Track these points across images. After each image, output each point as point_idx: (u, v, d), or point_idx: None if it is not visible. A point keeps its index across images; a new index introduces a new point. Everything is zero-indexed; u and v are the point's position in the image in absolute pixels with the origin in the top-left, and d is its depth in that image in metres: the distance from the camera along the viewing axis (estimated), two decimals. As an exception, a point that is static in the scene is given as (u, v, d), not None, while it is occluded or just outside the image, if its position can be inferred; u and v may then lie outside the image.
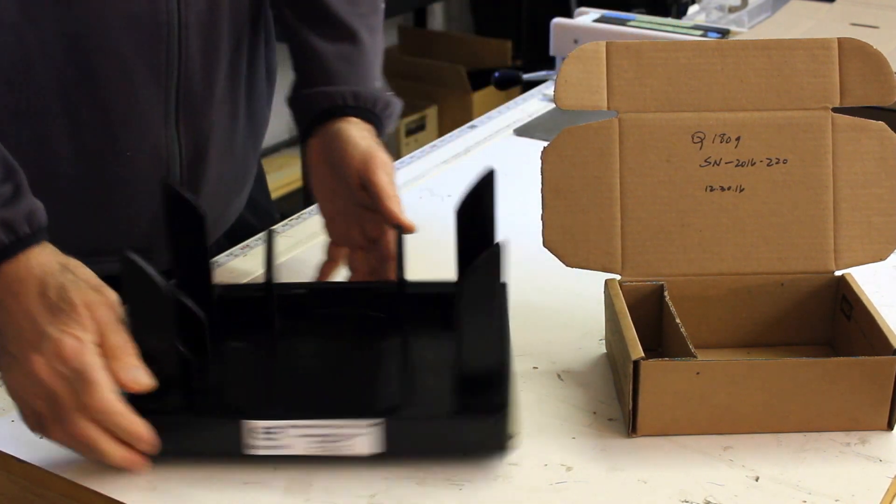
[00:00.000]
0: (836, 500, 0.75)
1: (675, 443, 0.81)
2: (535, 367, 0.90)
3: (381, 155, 0.95)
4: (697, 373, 0.80)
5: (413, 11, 3.90)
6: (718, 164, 0.89)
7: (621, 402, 0.85)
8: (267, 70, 1.12)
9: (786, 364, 0.80)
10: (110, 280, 1.01)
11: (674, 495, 0.76)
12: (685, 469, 0.78)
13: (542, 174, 0.89)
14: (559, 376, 0.89)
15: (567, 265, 0.90)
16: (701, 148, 0.89)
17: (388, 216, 0.93)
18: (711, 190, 0.89)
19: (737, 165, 0.89)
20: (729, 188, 0.89)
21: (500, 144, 1.35)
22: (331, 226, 1.00)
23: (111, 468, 0.78)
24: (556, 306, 0.99)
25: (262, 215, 1.21)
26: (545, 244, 0.90)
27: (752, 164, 0.89)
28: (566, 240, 0.90)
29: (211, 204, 1.03)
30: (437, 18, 4.06)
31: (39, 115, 0.93)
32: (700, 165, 0.89)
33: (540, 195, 0.89)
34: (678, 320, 0.85)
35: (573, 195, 0.89)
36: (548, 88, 1.56)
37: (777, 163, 0.89)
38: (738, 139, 0.89)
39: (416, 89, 3.56)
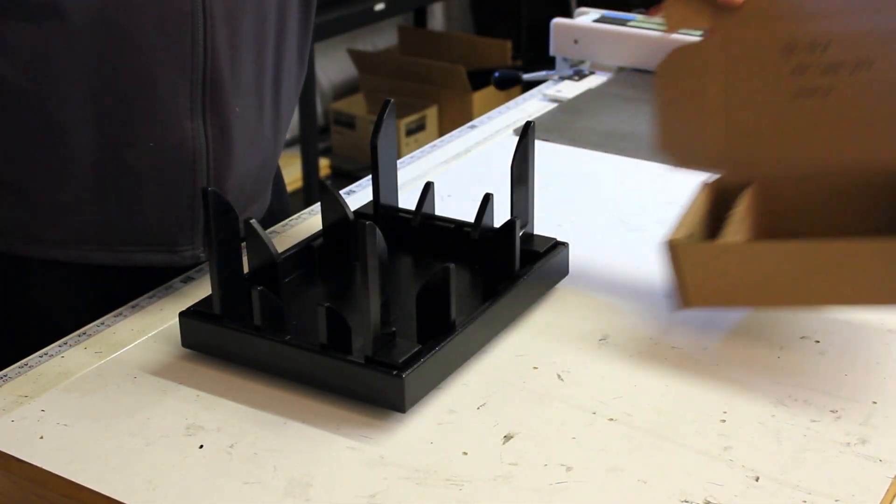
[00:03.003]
0: (836, 500, 0.75)
1: (675, 443, 0.81)
2: (535, 367, 0.90)
3: None
4: (724, 253, 0.91)
5: (413, 11, 3.90)
6: (807, 70, 0.98)
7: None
8: (299, 53, 1.11)
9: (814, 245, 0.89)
10: (131, 271, 1.02)
11: (674, 495, 0.76)
12: (685, 469, 0.78)
13: (655, 87, 1.03)
14: (559, 376, 0.89)
15: (676, 166, 1.03)
16: (792, 56, 0.98)
17: None
18: (802, 95, 0.98)
19: (825, 70, 0.97)
20: (818, 91, 0.97)
21: (500, 144, 1.36)
22: None
23: (111, 468, 0.78)
24: (556, 306, 0.99)
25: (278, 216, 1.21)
26: (658, 148, 1.04)
27: (840, 68, 0.96)
28: (675, 144, 1.03)
29: (236, 197, 1.03)
30: (437, 18, 4.07)
31: (60, 103, 0.93)
32: (791, 72, 0.98)
33: (653, 105, 1.03)
34: (737, 208, 0.96)
35: (682, 104, 1.02)
36: (548, 88, 1.56)
37: (864, 66, 0.96)
38: (826, 45, 0.96)
39: (416, 89, 3.56)
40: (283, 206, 1.23)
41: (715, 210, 0.98)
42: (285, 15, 1.05)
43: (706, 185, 1.01)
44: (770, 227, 1.00)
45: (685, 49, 1.00)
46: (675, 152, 1.03)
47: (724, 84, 1.00)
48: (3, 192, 0.98)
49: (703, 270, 0.91)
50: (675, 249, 0.90)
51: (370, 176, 1.07)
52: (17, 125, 0.94)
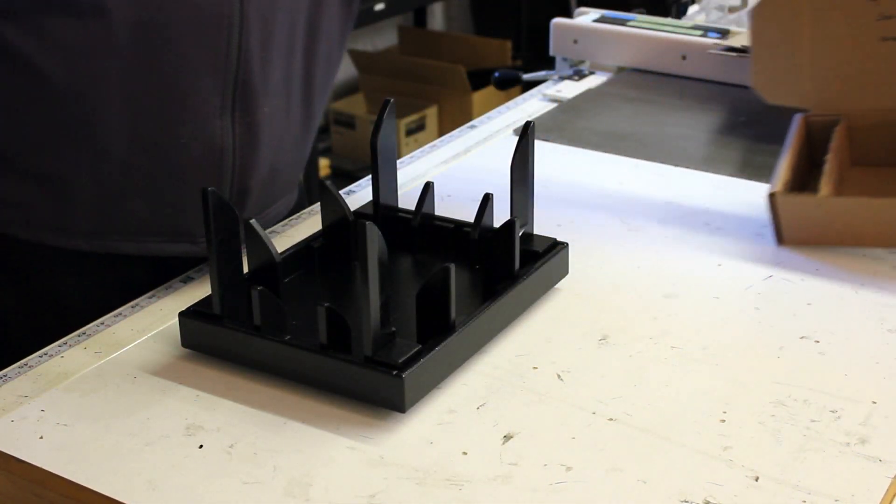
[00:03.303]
0: (836, 500, 0.75)
1: (675, 443, 0.81)
2: (535, 367, 0.90)
3: None
4: (817, 206, 1.06)
5: (413, 11, 3.90)
6: (892, 18, 1.12)
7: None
8: (332, 52, 1.12)
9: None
10: (151, 261, 1.04)
11: (674, 495, 0.76)
12: (685, 469, 0.78)
13: (751, 29, 1.19)
14: (559, 376, 0.89)
15: (768, 101, 1.21)
16: (877, 5, 1.12)
17: None
18: (886, 40, 1.13)
19: None
20: None
21: (500, 144, 1.35)
22: None
23: (111, 468, 0.78)
24: (556, 306, 0.99)
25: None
26: (753, 85, 1.21)
27: None
28: (768, 81, 1.19)
29: (260, 195, 1.06)
30: (437, 18, 4.07)
31: (97, 100, 0.96)
32: (876, 19, 1.12)
33: (750, 46, 1.21)
34: (828, 156, 1.10)
35: (775, 46, 1.17)
36: (548, 88, 1.56)
37: None
38: None
39: (416, 89, 3.56)
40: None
41: (806, 146, 1.14)
42: (319, 16, 1.07)
43: (801, 119, 1.16)
44: (857, 158, 1.17)
45: None
46: (768, 89, 1.19)
47: (813, 28, 1.14)
48: (35, 183, 1.00)
49: (797, 219, 1.06)
50: (775, 200, 1.06)
51: (370, 176, 1.07)
52: (53, 118, 0.97)
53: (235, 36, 0.97)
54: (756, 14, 1.18)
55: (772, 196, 1.06)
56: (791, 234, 1.07)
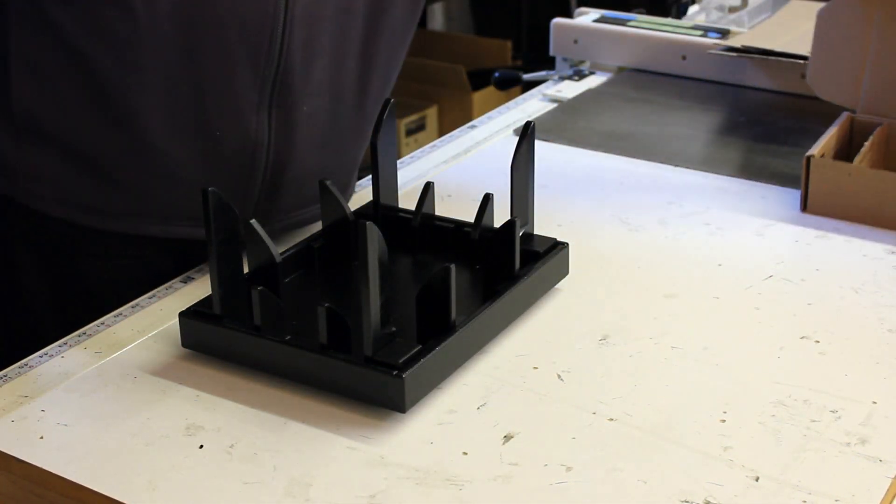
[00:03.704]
0: (836, 500, 0.75)
1: (675, 443, 0.81)
2: (535, 367, 0.90)
3: None
4: (849, 174, 1.11)
5: (413, 11, 3.89)
6: None
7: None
8: (396, 51, 1.12)
9: None
10: (179, 246, 1.05)
11: (674, 495, 0.76)
12: (685, 469, 0.78)
13: (816, 28, 1.25)
14: (559, 376, 0.89)
15: (822, 97, 1.26)
16: None
17: None
18: None
19: None
20: None
21: (500, 144, 1.35)
22: None
23: (111, 468, 0.78)
24: (556, 306, 0.99)
25: None
26: (808, 80, 1.27)
27: None
28: (823, 79, 1.25)
29: (294, 195, 1.07)
30: (437, 18, 4.07)
31: (139, 89, 0.97)
32: None
33: (812, 42, 1.26)
34: (867, 141, 1.15)
35: (835, 48, 1.23)
36: (548, 88, 1.56)
37: None
38: None
39: (416, 89, 3.56)
40: None
41: (847, 141, 1.20)
42: (380, 16, 1.06)
43: (847, 115, 1.21)
44: (890, 166, 1.18)
45: (847, 1, 1.21)
46: (821, 86, 1.25)
47: (876, 36, 1.19)
48: (73, 161, 1.02)
49: (828, 185, 1.12)
50: (811, 163, 1.12)
51: (370, 176, 1.07)
52: (94, 101, 0.98)
53: (279, 34, 0.98)
54: (822, 16, 1.23)
55: (808, 158, 1.12)
56: (817, 200, 1.13)
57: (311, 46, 1.01)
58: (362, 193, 1.23)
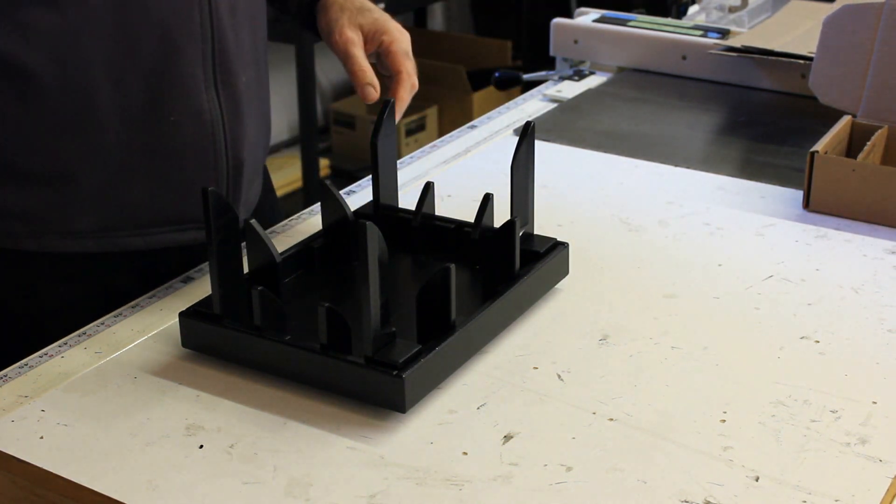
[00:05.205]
0: (836, 500, 0.75)
1: (675, 443, 0.81)
2: (535, 367, 0.90)
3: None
4: (851, 169, 1.13)
5: (413, 11, 3.90)
6: None
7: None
8: (263, 21, 1.14)
9: None
10: (164, 252, 1.04)
11: (674, 495, 0.76)
12: (685, 469, 0.78)
13: (821, 34, 1.27)
14: (559, 376, 0.89)
15: (821, 101, 1.28)
16: None
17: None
18: None
19: None
20: None
21: (500, 144, 1.35)
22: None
23: (111, 468, 0.78)
24: (556, 306, 0.99)
25: (269, 214, 1.21)
26: (811, 84, 1.29)
27: None
28: (824, 83, 1.27)
29: (250, 169, 1.08)
30: (437, 18, 4.07)
31: (86, 86, 0.96)
32: None
33: (817, 48, 1.28)
34: (868, 142, 1.17)
35: (839, 54, 1.25)
36: (548, 88, 1.56)
37: None
38: None
39: (416, 89, 3.56)
40: (271, 203, 1.25)
41: (846, 139, 1.21)
42: None
43: (848, 118, 1.21)
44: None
45: (852, 9, 1.24)
46: (823, 90, 1.28)
47: (880, 44, 1.21)
48: (37, 186, 1.00)
49: (832, 181, 1.13)
50: (815, 159, 1.13)
51: (370, 176, 1.07)
52: (45, 114, 0.97)
53: (206, 3, 0.99)
54: (828, 22, 1.26)
55: (812, 154, 1.13)
56: (820, 197, 1.14)
57: (235, 12, 1.03)
58: (362, 194, 1.23)
